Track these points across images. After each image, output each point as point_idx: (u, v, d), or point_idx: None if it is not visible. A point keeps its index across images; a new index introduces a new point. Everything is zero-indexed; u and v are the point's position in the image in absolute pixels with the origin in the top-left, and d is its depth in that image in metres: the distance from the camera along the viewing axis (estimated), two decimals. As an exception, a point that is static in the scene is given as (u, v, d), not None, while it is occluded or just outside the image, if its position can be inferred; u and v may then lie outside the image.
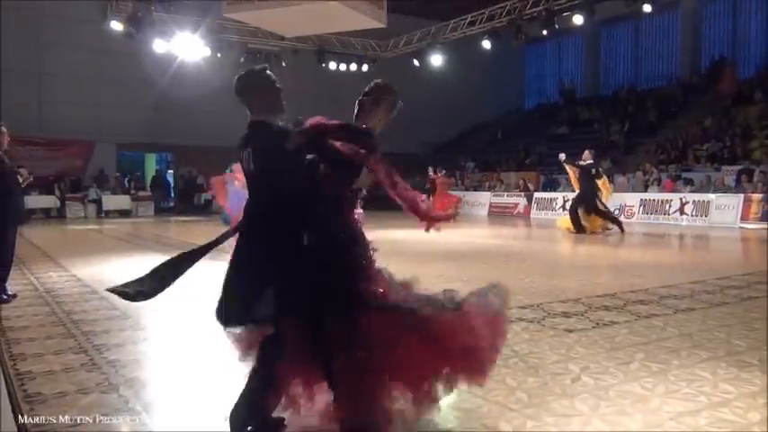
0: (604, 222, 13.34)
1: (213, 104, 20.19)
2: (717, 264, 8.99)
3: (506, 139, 29.19)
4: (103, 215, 21.58)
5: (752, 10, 24.96)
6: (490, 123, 31.29)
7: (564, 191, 20.48)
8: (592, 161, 13.19)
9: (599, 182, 13.26)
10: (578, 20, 18.20)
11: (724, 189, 17.05)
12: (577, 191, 13.46)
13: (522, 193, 21.35)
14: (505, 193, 22.41)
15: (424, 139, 28.53)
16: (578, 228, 13.05)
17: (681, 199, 16.94)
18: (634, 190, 18.87)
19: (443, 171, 19.29)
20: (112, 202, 22.15)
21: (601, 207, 13.16)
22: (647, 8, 16.74)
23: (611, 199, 18.08)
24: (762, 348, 4.18)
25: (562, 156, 13.70)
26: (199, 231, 14.87)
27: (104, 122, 22.64)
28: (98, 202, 21.84)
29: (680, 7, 25.23)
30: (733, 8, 25.40)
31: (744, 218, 15.53)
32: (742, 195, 15.94)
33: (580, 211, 13.15)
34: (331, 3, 14.05)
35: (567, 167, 13.72)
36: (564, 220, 13.95)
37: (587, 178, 13.05)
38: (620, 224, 13.36)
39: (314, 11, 14.65)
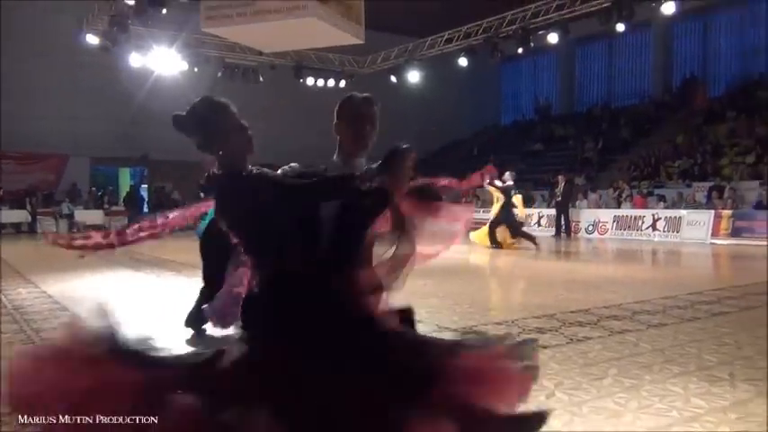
0: (517, 240, 14.09)
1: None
2: (688, 279, 9.11)
3: (483, 155, 29.34)
4: (76, 230, 21.26)
5: (721, 29, 25.59)
6: (467, 139, 31.53)
7: (539, 207, 20.68)
8: (512, 183, 14.05)
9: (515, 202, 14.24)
10: (553, 38, 18.52)
11: (695, 205, 17.35)
12: (497, 210, 14.05)
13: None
14: (482, 209, 22.50)
15: (401, 154, 28.64)
16: (495, 243, 13.78)
17: (653, 215, 17.20)
18: (607, 206, 19.14)
19: None
20: (85, 216, 21.84)
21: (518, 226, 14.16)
22: (620, 27, 17.07)
23: (584, 215, 18.64)
24: (732, 363, 4.24)
25: (486, 178, 14.27)
26: (172, 247, 14.67)
27: (79, 136, 22.40)
28: (70, 216, 21.53)
29: (652, 26, 25.76)
30: (703, 27, 26.01)
31: (714, 234, 15.81)
32: (713, 212, 16.23)
33: (500, 229, 13.84)
34: (309, 19, 14.06)
35: (490, 189, 14.26)
36: (478, 235, 14.40)
37: (508, 199, 13.82)
38: (534, 240, 13.88)
39: (292, 27, 14.61)
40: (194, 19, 16.51)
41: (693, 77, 25.49)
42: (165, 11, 15.33)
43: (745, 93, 22.69)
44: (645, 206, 18.04)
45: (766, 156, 18.68)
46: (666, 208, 17.49)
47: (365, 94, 2.72)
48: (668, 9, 15.87)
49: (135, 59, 19.39)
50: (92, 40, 18.70)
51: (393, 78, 22.86)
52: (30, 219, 20.85)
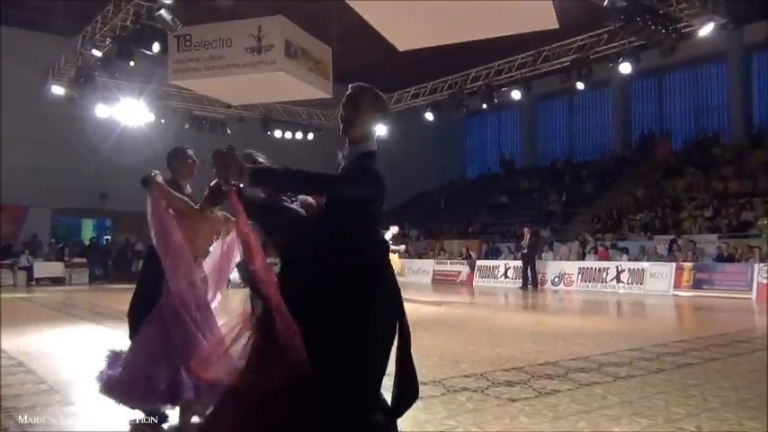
0: None
1: (156, 169, 19.87)
2: (653, 331, 9.20)
3: (449, 208, 29.72)
4: (34, 283, 20.68)
5: (675, 88, 26.67)
6: (434, 192, 31.87)
7: (506, 259, 20.85)
8: (391, 236, 14.98)
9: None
10: (516, 95, 19.01)
11: (657, 258, 17.67)
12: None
13: (465, 261, 21.60)
14: (449, 261, 22.62)
15: (368, 207, 28.70)
16: None
17: (617, 267, 17.45)
18: (569, 259, 19.39)
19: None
20: (45, 269, 21.28)
21: None
22: (579, 85, 17.63)
23: (550, 266, 18.88)
24: (699, 415, 4.26)
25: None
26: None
27: (41, 187, 21.97)
28: (29, 269, 20.94)
29: (610, 85, 26.71)
30: (659, 86, 27.07)
31: (676, 285, 16.08)
32: (674, 264, 16.54)
33: None
34: (278, 73, 14.29)
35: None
36: None
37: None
38: None
39: (260, 80, 14.84)
40: (162, 71, 16.66)
41: (651, 133, 26.39)
42: (132, 63, 15.34)
43: (700, 149, 23.53)
44: (608, 258, 18.31)
45: (723, 210, 19.25)
46: (629, 260, 17.78)
47: (362, 83, 2.94)
48: (625, 69, 16.47)
49: (101, 110, 19.26)
50: (57, 90, 18.58)
51: (360, 132, 23.09)
52: (-14, 271, 20.22)
